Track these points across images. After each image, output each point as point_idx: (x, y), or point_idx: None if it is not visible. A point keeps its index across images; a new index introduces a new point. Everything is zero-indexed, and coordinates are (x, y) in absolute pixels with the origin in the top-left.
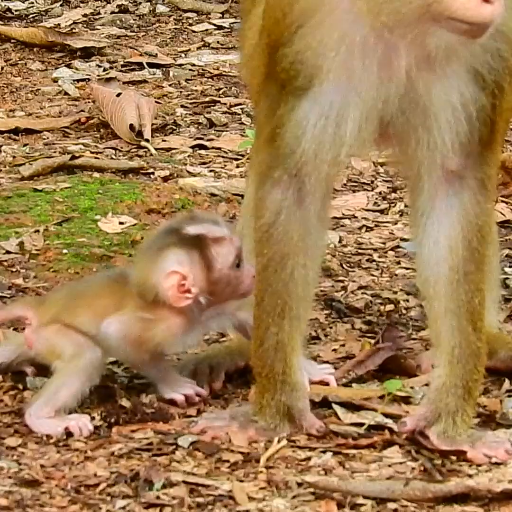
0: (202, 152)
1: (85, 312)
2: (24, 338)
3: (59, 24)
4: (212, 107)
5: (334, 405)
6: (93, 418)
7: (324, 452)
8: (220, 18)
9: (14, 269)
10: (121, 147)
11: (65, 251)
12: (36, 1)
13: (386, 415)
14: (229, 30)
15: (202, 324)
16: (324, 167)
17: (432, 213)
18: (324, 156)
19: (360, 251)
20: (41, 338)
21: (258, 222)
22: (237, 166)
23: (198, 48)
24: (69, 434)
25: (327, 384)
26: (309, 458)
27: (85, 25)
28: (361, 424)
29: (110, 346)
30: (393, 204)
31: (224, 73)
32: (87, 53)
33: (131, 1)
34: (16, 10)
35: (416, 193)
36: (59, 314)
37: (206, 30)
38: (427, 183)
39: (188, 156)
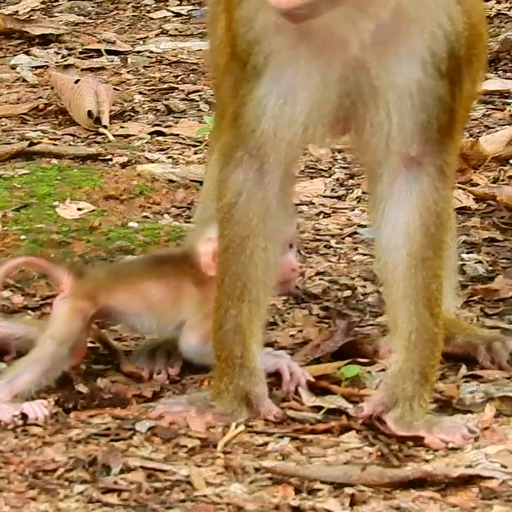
0: (160, 138)
1: (123, 293)
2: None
3: (17, 11)
4: (170, 94)
5: (298, 387)
6: (50, 404)
7: (281, 437)
8: (178, 5)
9: None
10: (79, 134)
11: (23, 237)
12: None
13: (345, 399)
14: (187, 17)
15: None
16: (283, 147)
17: (390, 199)
18: (282, 136)
19: (317, 237)
20: (58, 308)
21: (220, 202)
22: (195, 153)
23: (156, 35)
24: (25, 418)
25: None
26: (266, 443)
27: (43, 12)
28: (320, 408)
29: (193, 358)
30: (350, 191)
31: (182, 60)
32: (45, 40)
33: None
34: None
35: (375, 179)
36: (96, 290)
37: (164, 17)
38: (386, 169)
39: (146, 142)
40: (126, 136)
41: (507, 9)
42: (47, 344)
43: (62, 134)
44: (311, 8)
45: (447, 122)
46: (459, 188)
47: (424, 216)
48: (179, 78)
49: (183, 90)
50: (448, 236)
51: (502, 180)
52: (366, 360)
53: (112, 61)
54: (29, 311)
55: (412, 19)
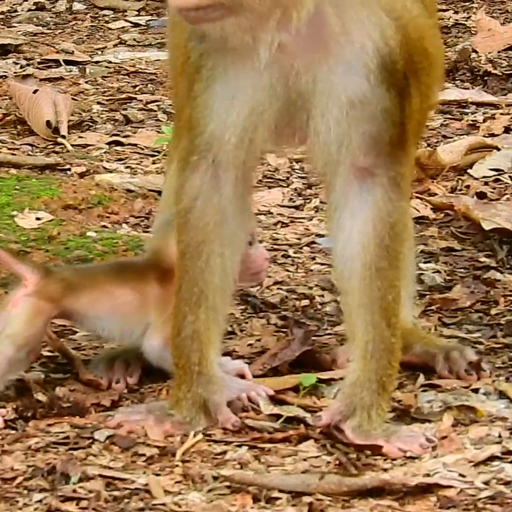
0: (119, 148)
1: (87, 295)
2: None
3: None
4: (128, 104)
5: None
6: (9, 412)
7: (239, 446)
8: (136, 15)
9: None
10: (38, 144)
11: None
12: None
13: (302, 409)
14: (146, 27)
15: None
16: (233, 152)
17: (345, 209)
18: (228, 140)
19: (275, 246)
20: (20, 306)
21: (177, 207)
22: (153, 162)
23: (115, 45)
24: None
25: (243, 377)
26: (225, 452)
27: (2, 23)
28: (279, 416)
29: (154, 360)
30: (308, 200)
31: (140, 70)
32: (4, 50)
33: None
34: None
35: (330, 189)
36: (60, 291)
37: (123, 27)
38: (338, 179)
39: (105, 152)
40: (85, 146)
41: (465, 19)
42: (5, 348)
43: (21, 144)
44: (204, 13)
45: (397, 134)
46: (417, 197)
47: (378, 227)
48: (137, 88)
49: (141, 100)
50: (404, 246)
51: (460, 190)
52: (323, 370)
53: (70, 71)
54: None
55: (337, 31)
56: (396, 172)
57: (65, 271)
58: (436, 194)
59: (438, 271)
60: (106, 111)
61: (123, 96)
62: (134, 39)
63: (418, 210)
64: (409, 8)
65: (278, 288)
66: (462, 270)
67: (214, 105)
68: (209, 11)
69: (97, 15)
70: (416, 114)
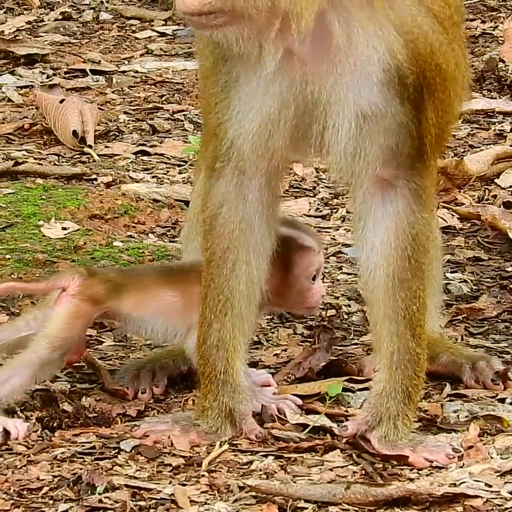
0: (145, 158)
1: (131, 297)
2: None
3: (2, 31)
4: (155, 114)
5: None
6: (34, 422)
7: (265, 456)
8: (163, 25)
9: None
10: (64, 153)
11: (8, 256)
12: None
13: (329, 418)
14: (172, 37)
15: None
16: (257, 161)
17: (368, 220)
18: (248, 148)
19: None
20: (62, 306)
21: (203, 215)
22: (180, 172)
23: (141, 55)
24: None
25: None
26: (251, 462)
27: (28, 32)
28: (305, 426)
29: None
30: (335, 210)
31: (167, 80)
32: (30, 60)
33: (74, 8)
34: None
35: (353, 200)
36: (104, 293)
37: (149, 37)
38: (361, 191)
39: (131, 162)
40: (111, 155)
41: (492, 28)
42: (40, 348)
43: (47, 154)
44: (207, 19)
45: (416, 148)
46: (444, 207)
47: (400, 238)
48: (164, 98)
49: (168, 110)
50: (428, 257)
51: (487, 200)
52: (350, 379)
53: (97, 81)
54: None
55: (343, 43)
56: (417, 184)
57: (110, 272)
58: (463, 203)
59: (464, 281)
60: (132, 120)
61: (150, 105)
62: (161, 49)
63: (445, 220)
64: (419, 23)
65: None
66: (488, 279)
67: (232, 111)
68: (211, 18)
69: (123, 25)
70: (433, 128)
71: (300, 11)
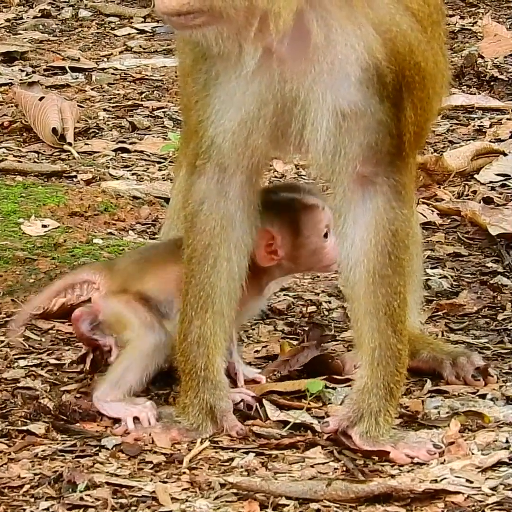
0: (125, 155)
1: (153, 279)
2: (92, 302)
3: None
4: (134, 111)
5: (264, 401)
6: (14, 421)
7: (246, 452)
8: (142, 22)
9: None
10: (44, 151)
11: None
12: None
13: (310, 415)
14: (151, 34)
15: (262, 297)
16: (237, 159)
17: (348, 216)
18: (228, 146)
19: None
20: (109, 307)
21: (184, 211)
22: (160, 169)
23: (121, 52)
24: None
25: (258, 383)
26: (232, 459)
27: (7, 30)
28: (286, 423)
29: None
30: None
31: (146, 77)
32: (9, 58)
33: (53, 5)
34: None
35: (333, 196)
36: (127, 281)
37: (129, 34)
38: (341, 188)
39: (111, 159)
40: (91, 153)
41: (471, 24)
42: (145, 335)
43: (27, 151)
44: (186, 19)
45: (394, 145)
46: (424, 203)
47: (380, 235)
48: (143, 95)
49: (147, 107)
50: (408, 253)
51: (467, 195)
52: (334, 375)
53: (76, 78)
54: None
55: (320, 42)
56: (397, 180)
57: (125, 261)
58: (442, 199)
59: (445, 277)
60: (112, 118)
61: (129, 103)
62: (140, 46)
63: (425, 216)
64: (397, 22)
65: (285, 295)
66: (469, 275)
67: (212, 110)
68: (190, 18)
69: (103, 22)
70: (411, 126)
71: (278, 10)
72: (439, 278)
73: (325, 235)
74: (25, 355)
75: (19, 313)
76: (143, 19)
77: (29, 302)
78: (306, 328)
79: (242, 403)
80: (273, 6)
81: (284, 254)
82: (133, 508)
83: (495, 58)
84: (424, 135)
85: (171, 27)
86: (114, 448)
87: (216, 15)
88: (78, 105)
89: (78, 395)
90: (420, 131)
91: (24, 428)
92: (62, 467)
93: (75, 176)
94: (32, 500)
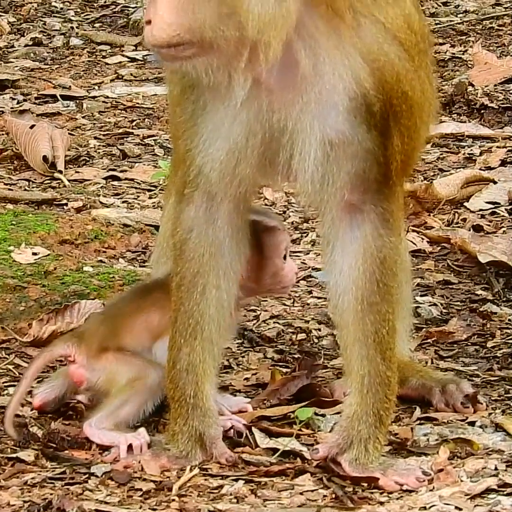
0: (115, 183)
1: (127, 335)
2: (70, 376)
3: None
4: (125, 139)
5: (253, 429)
6: (3, 449)
7: (236, 480)
8: (133, 50)
9: None
10: (35, 179)
11: None
12: None
13: (299, 442)
14: (142, 62)
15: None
16: (226, 187)
17: (336, 244)
18: (216, 176)
19: None
20: (96, 371)
21: (173, 239)
22: (150, 197)
23: (112, 80)
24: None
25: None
26: (221, 486)
27: None
28: (275, 450)
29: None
30: (305, 234)
31: (137, 105)
32: (1, 86)
33: (45, 34)
34: None
35: (322, 224)
36: (104, 341)
37: (120, 62)
38: (329, 215)
39: (101, 187)
40: (81, 180)
41: (461, 52)
42: (150, 374)
43: (18, 179)
44: (175, 51)
45: (382, 173)
46: (414, 231)
47: (368, 262)
48: (134, 123)
49: (138, 135)
50: (396, 281)
51: (456, 223)
52: (323, 403)
53: (67, 107)
54: None
55: (308, 72)
56: (384, 208)
57: (94, 322)
58: (432, 227)
59: (434, 304)
60: (103, 146)
61: (120, 131)
62: (131, 74)
63: (414, 244)
64: (385, 51)
65: (274, 322)
66: (458, 303)
67: (200, 139)
68: (180, 50)
69: (94, 50)
70: (398, 155)
71: (268, 40)
72: (429, 305)
73: (284, 257)
74: (15, 383)
75: (7, 407)
76: (134, 47)
77: (13, 396)
78: (298, 357)
79: (232, 430)
80: (263, 36)
81: (246, 276)
82: None
83: (486, 86)
84: (411, 163)
85: (161, 59)
86: (103, 476)
87: (206, 46)
88: (69, 133)
89: (66, 422)
90: (407, 159)
91: (14, 455)
92: (51, 494)
93: (66, 204)
94: None
